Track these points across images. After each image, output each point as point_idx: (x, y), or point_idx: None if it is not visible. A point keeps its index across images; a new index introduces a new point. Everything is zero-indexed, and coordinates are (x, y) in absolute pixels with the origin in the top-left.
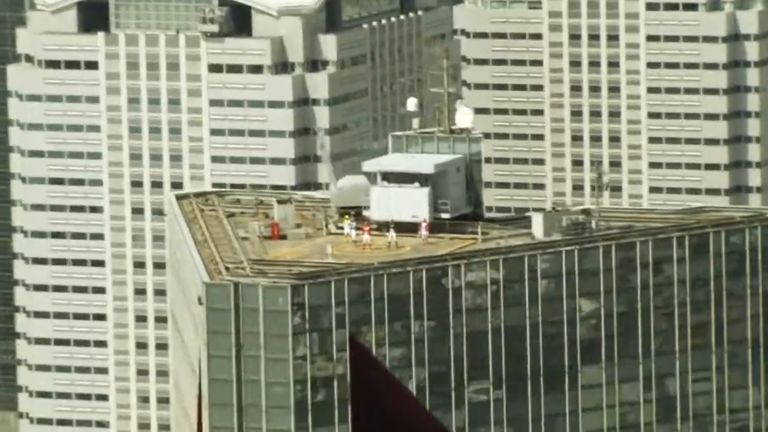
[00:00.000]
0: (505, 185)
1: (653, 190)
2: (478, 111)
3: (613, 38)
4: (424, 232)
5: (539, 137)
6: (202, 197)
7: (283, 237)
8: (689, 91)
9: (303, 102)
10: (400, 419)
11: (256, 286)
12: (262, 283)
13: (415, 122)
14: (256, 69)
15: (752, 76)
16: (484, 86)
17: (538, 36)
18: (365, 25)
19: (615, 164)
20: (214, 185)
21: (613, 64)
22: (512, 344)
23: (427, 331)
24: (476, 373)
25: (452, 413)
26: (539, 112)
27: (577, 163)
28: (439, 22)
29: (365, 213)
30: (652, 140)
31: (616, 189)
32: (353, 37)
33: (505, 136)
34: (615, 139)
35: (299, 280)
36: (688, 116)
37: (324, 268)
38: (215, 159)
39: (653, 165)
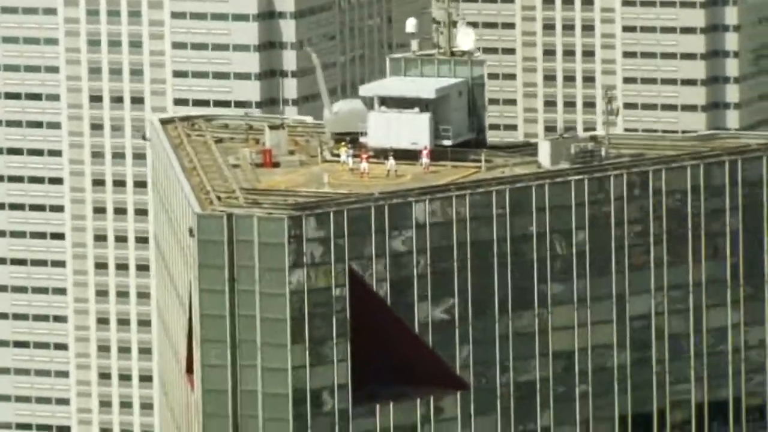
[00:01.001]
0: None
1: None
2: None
3: (587, 2)
4: (425, 159)
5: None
6: (188, 121)
7: (276, 164)
8: (664, 4)
9: (268, 15)
10: (401, 354)
11: (251, 217)
12: (258, 214)
13: (414, 44)
14: None
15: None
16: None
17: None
18: None
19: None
20: (176, 101)
21: (588, 28)
22: (519, 277)
23: (430, 265)
24: (479, 308)
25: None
26: (511, 51)
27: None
28: None
29: (362, 140)
30: (627, 106)
31: None
32: None
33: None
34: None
35: (296, 210)
36: (665, 81)
37: (321, 198)
38: (177, 73)
39: (627, 81)
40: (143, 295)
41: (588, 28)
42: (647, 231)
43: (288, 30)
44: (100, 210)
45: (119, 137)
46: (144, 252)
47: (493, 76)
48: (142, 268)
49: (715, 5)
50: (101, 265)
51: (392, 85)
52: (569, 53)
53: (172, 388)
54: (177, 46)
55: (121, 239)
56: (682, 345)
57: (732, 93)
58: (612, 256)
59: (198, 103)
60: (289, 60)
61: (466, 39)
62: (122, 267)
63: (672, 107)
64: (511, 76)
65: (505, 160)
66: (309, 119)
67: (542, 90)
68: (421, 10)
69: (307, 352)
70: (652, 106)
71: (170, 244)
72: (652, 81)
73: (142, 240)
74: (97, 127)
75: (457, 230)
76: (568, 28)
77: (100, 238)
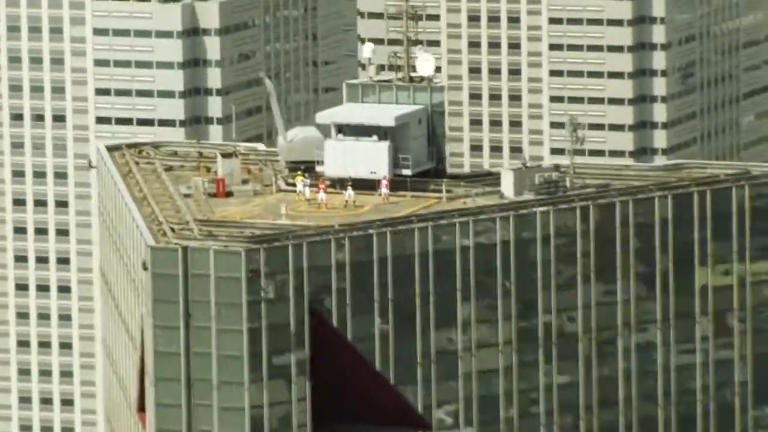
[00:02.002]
0: None
1: None
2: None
3: (513, 20)
4: (384, 189)
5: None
6: (135, 148)
7: (229, 194)
8: (591, 21)
9: (193, 32)
10: (363, 392)
11: (207, 250)
12: (214, 247)
13: (371, 69)
14: None
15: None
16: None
17: (435, 17)
18: None
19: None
20: (98, 119)
21: (514, 46)
22: (483, 311)
23: (392, 299)
24: (442, 347)
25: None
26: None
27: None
28: None
29: (318, 168)
30: (553, 73)
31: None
32: None
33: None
34: (515, 72)
35: (254, 243)
36: (592, 100)
37: (279, 230)
38: (99, 91)
39: (554, 99)
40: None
41: (514, 47)
42: (613, 264)
43: (212, 47)
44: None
45: (40, 156)
46: (65, 273)
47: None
48: (64, 289)
49: (642, 23)
50: (21, 287)
51: (350, 112)
52: (495, 71)
53: (120, 426)
54: (99, 63)
55: (42, 260)
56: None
57: (659, 112)
58: (578, 288)
59: (121, 122)
60: (214, 77)
61: (425, 64)
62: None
63: (599, 126)
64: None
65: (467, 191)
66: (260, 146)
67: (467, 108)
68: (343, 27)
69: (266, 391)
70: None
71: (119, 276)
72: (579, 100)
73: (63, 261)
74: (17, 145)
75: (419, 263)
76: (494, 45)
77: (20, 259)
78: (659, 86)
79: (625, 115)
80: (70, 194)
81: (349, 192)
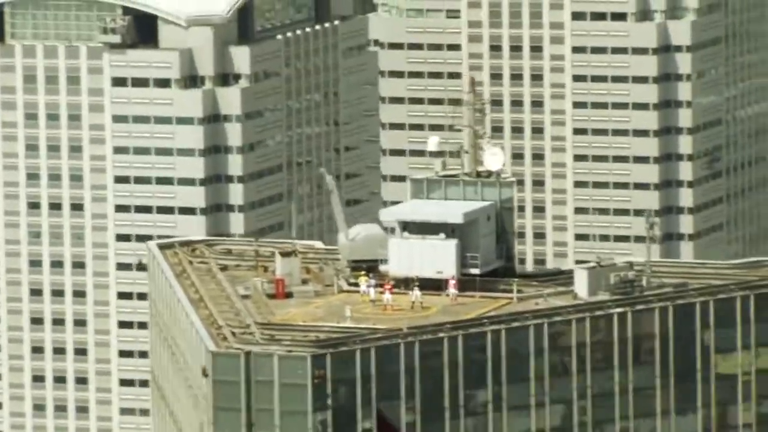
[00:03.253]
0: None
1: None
2: (393, 126)
3: (536, 49)
4: (452, 290)
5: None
6: (188, 246)
7: (289, 295)
8: (617, 105)
9: (213, 118)
10: None
11: (271, 355)
12: (278, 352)
13: (438, 164)
14: (164, 83)
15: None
16: (399, 100)
17: (456, 47)
18: (279, 36)
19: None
20: (117, 207)
21: (537, 77)
22: (556, 416)
23: (464, 405)
24: None
25: None
26: (457, 102)
27: None
28: (354, 33)
29: (382, 268)
30: (578, 158)
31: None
32: (266, 48)
33: (421, 153)
34: (538, 157)
35: (319, 348)
36: (616, 132)
37: (345, 333)
38: (118, 179)
39: (578, 184)
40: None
41: (537, 78)
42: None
43: (234, 134)
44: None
45: (57, 245)
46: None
47: (439, 127)
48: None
49: (667, 51)
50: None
51: (415, 209)
52: (517, 103)
53: None
54: (119, 150)
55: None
56: None
57: (685, 145)
58: (657, 394)
59: (140, 210)
60: (236, 194)
61: (493, 159)
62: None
63: (623, 158)
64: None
65: (538, 290)
66: (319, 244)
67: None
68: (364, 112)
69: None
70: (602, 158)
71: (174, 382)
72: (603, 132)
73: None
74: (35, 234)
75: (493, 367)
76: (517, 77)
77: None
78: (685, 171)
79: (651, 199)
80: (89, 283)
81: (416, 292)
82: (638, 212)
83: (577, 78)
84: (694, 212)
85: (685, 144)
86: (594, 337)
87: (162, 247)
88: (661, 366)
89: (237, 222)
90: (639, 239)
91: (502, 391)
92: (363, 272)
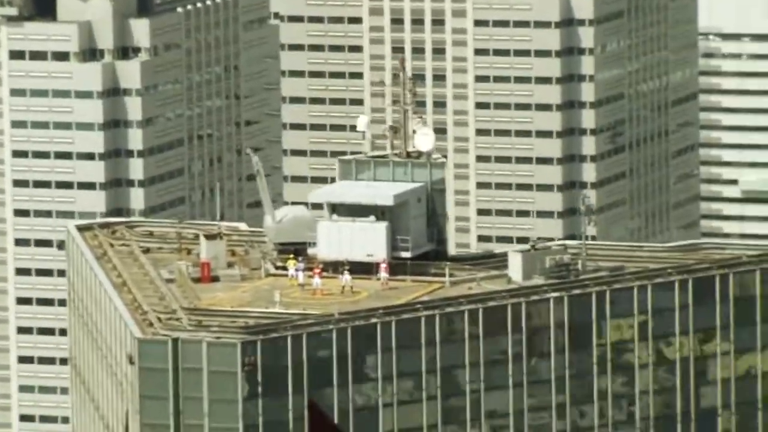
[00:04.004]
0: (323, 180)
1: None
2: (293, 100)
3: (438, 23)
4: (383, 274)
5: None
6: (108, 228)
7: (215, 279)
8: (520, 80)
9: (113, 92)
10: None
11: (199, 342)
12: (207, 339)
13: (366, 144)
14: (62, 56)
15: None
16: (299, 74)
17: (357, 20)
18: (179, 9)
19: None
20: (15, 182)
21: (439, 51)
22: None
23: (397, 394)
24: None
25: None
26: (358, 102)
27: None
28: (255, 6)
29: (310, 251)
30: (480, 132)
31: None
32: (167, 21)
33: (322, 127)
34: (441, 131)
35: (249, 334)
36: (519, 106)
37: (276, 319)
38: (16, 153)
39: (480, 159)
40: None
41: (439, 51)
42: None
43: (134, 107)
44: None
45: None
46: None
47: (339, 101)
48: None
49: (570, 26)
50: None
51: (344, 191)
52: (419, 77)
53: None
54: (16, 125)
55: None
56: None
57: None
58: (594, 382)
59: (39, 185)
60: (136, 168)
61: (424, 139)
62: None
63: (526, 133)
64: (359, 101)
65: (470, 275)
66: (243, 226)
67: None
68: (264, 85)
69: None
70: (505, 132)
71: (96, 369)
72: (506, 106)
73: None
74: None
75: (426, 354)
76: (418, 51)
77: None
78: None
79: (554, 174)
80: None
81: (346, 276)
82: (540, 187)
83: (479, 51)
84: (597, 187)
85: (588, 118)
86: (530, 322)
87: (81, 229)
88: (596, 351)
89: (137, 197)
90: (541, 214)
91: (436, 379)
92: (291, 255)
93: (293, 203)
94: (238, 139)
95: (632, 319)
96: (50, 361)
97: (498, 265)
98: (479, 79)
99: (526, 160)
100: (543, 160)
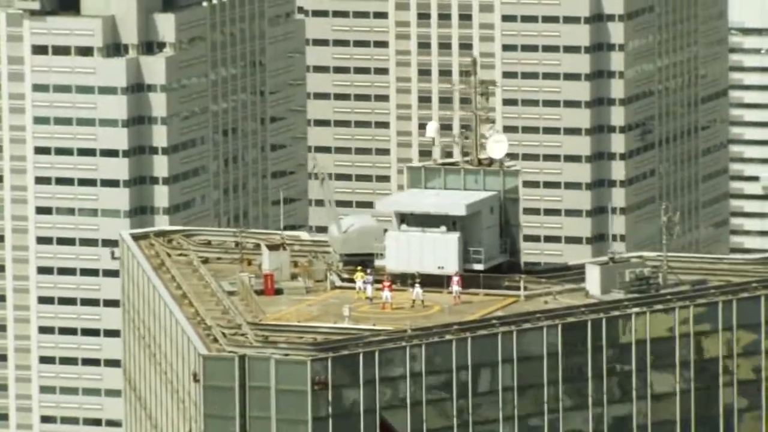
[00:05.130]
0: (347, 177)
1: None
2: (317, 96)
3: (465, 17)
4: (455, 287)
5: (384, 125)
6: (163, 237)
7: (279, 291)
8: (548, 76)
9: (137, 88)
10: None
11: (267, 359)
12: (275, 356)
13: (436, 151)
14: (86, 51)
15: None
16: (324, 69)
17: (383, 15)
18: (204, 3)
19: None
20: (37, 179)
21: (466, 46)
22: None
23: (472, 413)
24: None
25: None
26: (384, 98)
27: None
28: (281, 1)
29: (378, 263)
30: (508, 129)
31: None
32: (191, 16)
33: (346, 123)
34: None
35: (319, 351)
36: (547, 103)
37: (346, 335)
38: (39, 150)
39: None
40: None
41: (466, 47)
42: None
43: (158, 104)
44: None
45: None
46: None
47: (365, 97)
48: None
49: (599, 21)
50: None
51: (414, 200)
52: (445, 73)
53: None
54: (39, 121)
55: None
56: None
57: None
58: (677, 401)
59: (61, 182)
60: (161, 166)
61: (497, 146)
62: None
63: (555, 130)
64: (384, 98)
65: (546, 288)
66: (304, 235)
67: (417, 112)
68: (290, 81)
69: None
70: (533, 129)
71: (154, 386)
72: (533, 103)
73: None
74: None
75: (503, 372)
76: (445, 47)
77: None
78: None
79: (583, 171)
80: (8, 258)
81: (417, 290)
82: (569, 185)
83: (507, 48)
84: (626, 185)
85: (617, 115)
86: (610, 338)
87: (136, 238)
88: (680, 368)
89: (161, 195)
90: (569, 213)
91: (513, 397)
92: (358, 267)
93: (316, 201)
94: (263, 135)
95: (716, 335)
96: (72, 361)
97: (574, 278)
98: (506, 75)
99: (554, 157)
100: (571, 158)
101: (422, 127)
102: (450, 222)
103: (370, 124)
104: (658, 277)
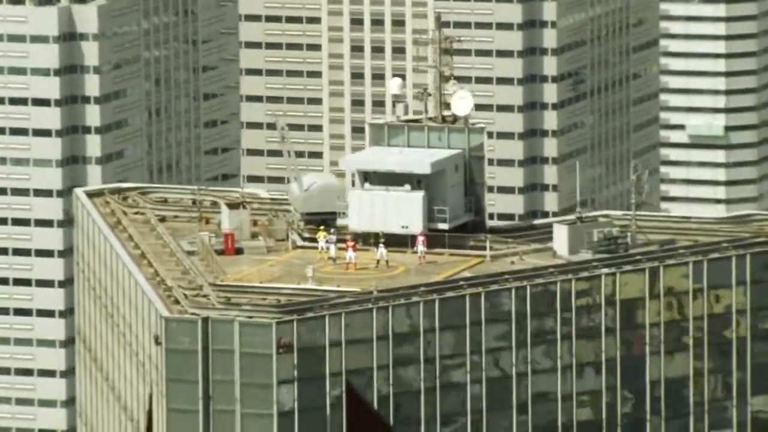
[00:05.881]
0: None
1: None
2: (249, 72)
3: (398, 23)
4: (421, 247)
5: (317, 101)
6: (119, 194)
7: (239, 251)
8: (480, 25)
9: (69, 37)
10: None
11: (231, 321)
12: (239, 318)
13: (400, 108)
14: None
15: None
16: (256, 18)
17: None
18: None
19: None
20: None
21: (398, 23)
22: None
23: (440, 376)
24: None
25: None
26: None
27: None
28: None
29: (340, 222)
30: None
31: None
32: None
33: (279, 99)
34: None
35: (284, 313)
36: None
37: (310, 297)
38: None
39: None
40: None
41: (398, 23)
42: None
43: (90, 54)
44: None
45: None
46: None
47: (297, 74)
48: None
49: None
50: None
51: (377, 158)
52: (378, 50)
53: None
54: None
55: None
56: None
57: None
58: (646, 364)
59: None
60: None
61: (461, 103)
62: None
63: (487, 80)
64: (317, 74)
65: (509, 247)
66: (263, 193)
67: (349, 89)
68: (222, 30)
69: None
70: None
71: (113, 348)
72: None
73: None
74: None
75: (471, 334)
76: (377, 23)
77: None
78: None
79: (515, 122)
80: None
81: (381, 250)
82: (501, 135)
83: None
84: (558, 135)
85: (549, 65)
86: (580, 300)
87: (90, 195)
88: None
89: (93, 144)
90: (501, 162)
91: (481, 361)
92: (320, 227)
93: (248, 151)
94: (196, 84)
95: (687, 295)
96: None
97: (541, 238)
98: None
99: (487, 107)
100: (504, 108)
101: (355, 103)
102: (414, 180)
103: (303, 101)
104: (626, 237)
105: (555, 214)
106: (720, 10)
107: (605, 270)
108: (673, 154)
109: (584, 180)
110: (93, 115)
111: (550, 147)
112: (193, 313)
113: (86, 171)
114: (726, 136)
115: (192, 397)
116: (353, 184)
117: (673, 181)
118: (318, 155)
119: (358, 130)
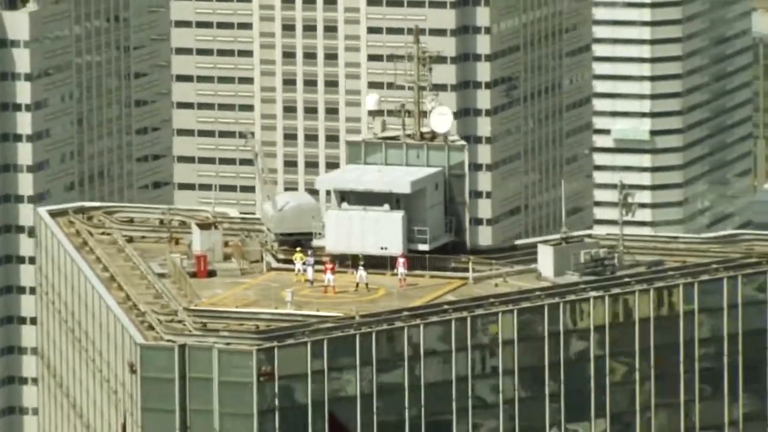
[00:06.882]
0: (211, 160)
1: None
2: (180, 78)
3: (330, 1)
4: (401, 269)
5: (248, 107)
6: (83, 214)
7: (212, 273)
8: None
9: (0, 43)
10: None
11: (209, 349)
12: (218, 345)
13: (377, 124)
14: None
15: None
16: (187, 24)
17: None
18: None
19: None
20: None
21: (330, 29)
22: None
23: (425, 405)
24: None
25: None
26: (248, 80)
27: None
28: None
29: (316, 242)
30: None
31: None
32: None
33: (210, 106)
34: (332, 111)
35: (264, 340)
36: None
37: (290, 322)
38: None
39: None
40: None
41: (331, 29)
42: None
43: (22, 61)
44: None
45: None
46: None
47: (228, 80)
48: None
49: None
50: None
51: (355, 177)
52: (310, 56)
53: None
54: None
55: None
56: None
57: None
58: (636, 390)
59: None
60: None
61: (441, 119)
62: None
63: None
64: (248, 80)
65: (491, 269)
66: (234, 213)
67: (281, 95)
68: (154, 36)
69: None
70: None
71: (81, 375)
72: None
73: None
74: None
75: (457, 361)
76: (309, 29)
77: None
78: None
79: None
80: None
81: (361, 273)
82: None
83: (372, 2)
84: (492, 142)
85: (483, 71)
86: (568, 325)
87: (54, 214)
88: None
89: (24, 153)
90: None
91: (467, 389)
92: (297, 248)
93: (180, 158)
94: (128, 92)
95: (678, 319)
96: None
97: (524, 259)
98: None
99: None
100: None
101: (287, 110)
102: (393, 200)
103: (234, 107)
104: (614, 258)
105: (489, 222)
106: (645, 14)
107: (593, 293)
108: (599, 159)
109: (518, 186)
110: (24, 123)
111: (484, 154)
112: (169, 340)
113: (17, 179)
114: (651, 140)
115: (169, 427)
116: (328, 204)
117: (599, 186)
118: (249, 162)
119: (290, 137)
